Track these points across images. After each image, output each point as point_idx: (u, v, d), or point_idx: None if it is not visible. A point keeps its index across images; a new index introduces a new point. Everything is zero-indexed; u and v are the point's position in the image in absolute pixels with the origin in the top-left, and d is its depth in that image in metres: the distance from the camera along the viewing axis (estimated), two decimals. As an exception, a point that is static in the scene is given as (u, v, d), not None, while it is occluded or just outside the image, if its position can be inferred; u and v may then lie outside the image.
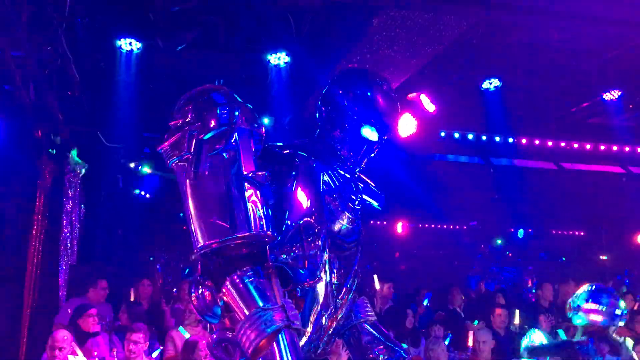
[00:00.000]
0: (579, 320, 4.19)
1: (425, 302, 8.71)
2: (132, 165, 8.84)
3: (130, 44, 6.54)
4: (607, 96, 8.29)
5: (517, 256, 15.57)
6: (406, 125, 8.00)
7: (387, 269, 10.59)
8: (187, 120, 2.14)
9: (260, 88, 7.08)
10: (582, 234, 15.39)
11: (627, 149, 10.03)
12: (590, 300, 4.17)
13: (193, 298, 2.15)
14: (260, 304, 2.02)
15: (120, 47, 6.54)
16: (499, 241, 15.41)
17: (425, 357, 6.88)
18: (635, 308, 8.42)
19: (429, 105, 7.72)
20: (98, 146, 8.03)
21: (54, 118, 7.15)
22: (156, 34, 6.21)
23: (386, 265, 11.83)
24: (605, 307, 4.17)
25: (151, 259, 10.79)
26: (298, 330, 2.10)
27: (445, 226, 15.69)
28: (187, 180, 2.11)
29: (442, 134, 9.19)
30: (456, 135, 9.35)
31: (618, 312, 4.22)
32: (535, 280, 12.75)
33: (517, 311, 8.06)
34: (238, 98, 2.23)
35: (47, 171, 7.44)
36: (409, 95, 7.70)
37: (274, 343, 1.98)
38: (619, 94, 8.25)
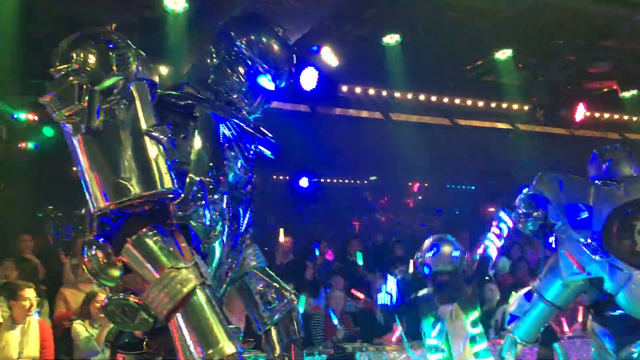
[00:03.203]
0: (432, 266, 4.35)
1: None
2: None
3: (10, -19, 5.97)
4: (499, 55, 8.64)
5: (415, 209, 16.25)
6: (308, 79, 7.99)
7: (290, 223, 10.67)
8: (74, 67, 1.93)
9: (156, 35, 6.74)
10: (473, 188, 16.24)
11: (515, 106, 10.60)
12: (447, 245, 4.39)
13: (85, 260, 2.01)
14: (172, 264, 1.93)
15: (-2, -16, 5.95)
16: (420, 197, 15.94)
17: (325, 305, 7.09)
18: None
19: (331, 59, 7.74)
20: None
21: None
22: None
23: (289, 219, 11.92)
24: (459, 252, 4.42)
25: (40, 215, 10.23)
26: (210, 286, 2.03)
27: (346, 181, 16.00)
28: (79, 135, 1.93)
29: (344, 88, 9.25)
30: (357, 90, 9.44)
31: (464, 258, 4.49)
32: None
33: (412, 261, 8.44)
34: (131, 43, 2.06)
35: None
36: (311, 48, 7.67)
37: (192, 301, 1.91)
38: (511, 53, 8.63)
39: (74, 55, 1.95)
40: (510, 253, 8.97)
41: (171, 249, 1.98)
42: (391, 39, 7.98)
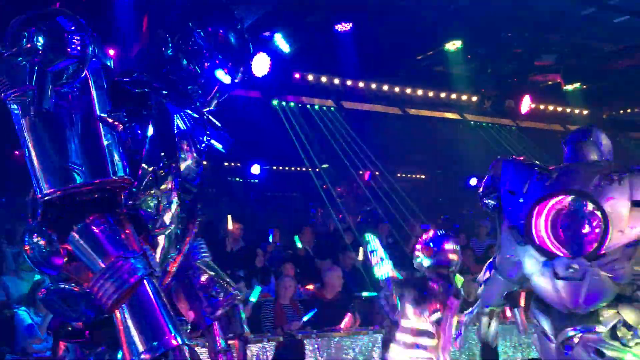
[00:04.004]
0: (435, 259, 4.48)
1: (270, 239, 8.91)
2: None
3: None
4: (449, 46, 8.78)
5: (367, 197, 16.36)
6: (260, 65, 7.93)
7: (241, 210, 10.63)
8: (26, 47, 1.86)
9: (102, 16, 6.55)
10: (422, 177, 16.49)
11: (464, 97, 10.81)
12: (450, 241, 4.52)
13: (27, 248, 1.95)
14: (120, 253, 1.87)
15: None
16: (371, 185, 15.99)
17: (275, 293, 7.10)
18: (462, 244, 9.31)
19: (284, 45, 7.70)
20: None
21: None
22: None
23: (240, 206, 11.86)
24: (459, 248, 4.58)
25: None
26: (157, 277, 2.00)
27: (298, 168, 15.98)
28: (27, 118, 1.85)
29: (297, 75, 9.23)
30: (310, 77, 9.43)
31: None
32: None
33: (362, 249, 8.55)
34: (86, 25, 1.98)
35: None
36: (264, 34, 7.61)
37: (138, 292, 1.85)
38: (460, 44, 8.78)
39: (26, 34, 1.88)
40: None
41: (118, 237, 1.92)
42: (344, 27, 8.00)
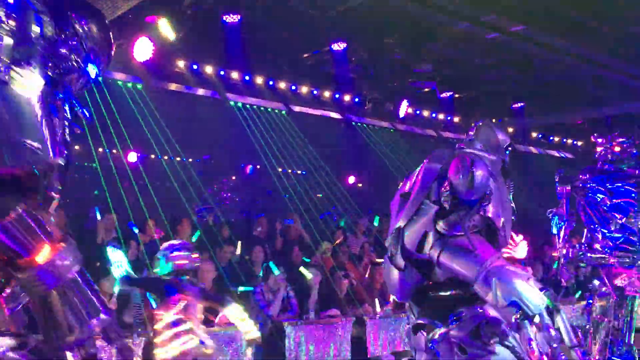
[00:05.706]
0: (167, 266, 4.86)
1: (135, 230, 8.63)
2: None
3: None
4: (335, 47, 8.96)
5: (247, 191, 16.25)
6: (142, 50, 7.62)
7: (114, 200, 10.12)
8: None
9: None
10: (304, 172, 16.69)
11: (347, 97, 11.10)
12: (181, 250, 4.91)
13: None
14: None
15: None
16: (251, 179, 15.80)
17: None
18: (338, 242, 9.58)
19: (168, 32, 7.43)
20: None
21: None
22: None
23: (113, 195, 11.31)
24: (191, 254, 4.90)
25: None
26: None
27: (178, 158, 15.53)
28: None
29: (180, 64, 8.97)
30: (194, 67, 9.20)
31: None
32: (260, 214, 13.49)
33: (240, 242, 8.52)
34: None
35: None
36: (147, 18, 7.31)
37: None
38: (345, 46, 8.99)
39: None
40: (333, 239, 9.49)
41: None
42: (232, 18, 7.89)
